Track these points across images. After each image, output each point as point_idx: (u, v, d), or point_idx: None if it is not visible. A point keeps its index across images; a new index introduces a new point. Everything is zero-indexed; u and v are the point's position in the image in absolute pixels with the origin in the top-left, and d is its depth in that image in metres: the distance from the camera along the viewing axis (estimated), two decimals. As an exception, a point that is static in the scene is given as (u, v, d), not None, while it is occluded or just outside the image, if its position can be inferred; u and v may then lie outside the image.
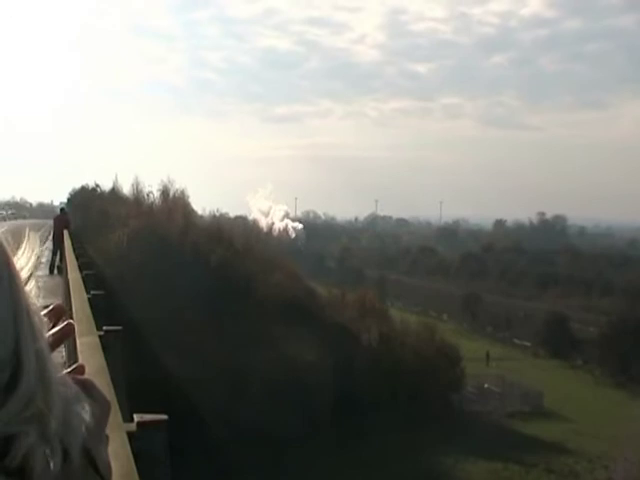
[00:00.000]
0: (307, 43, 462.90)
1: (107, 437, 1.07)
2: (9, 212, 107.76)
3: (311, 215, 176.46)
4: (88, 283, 11.47)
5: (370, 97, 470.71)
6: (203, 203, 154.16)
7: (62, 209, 34.50)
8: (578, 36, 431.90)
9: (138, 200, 58.04)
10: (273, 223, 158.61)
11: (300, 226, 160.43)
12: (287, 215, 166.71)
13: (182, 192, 57.48)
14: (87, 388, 1.07)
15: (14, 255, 1.08)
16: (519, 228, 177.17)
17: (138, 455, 2.91)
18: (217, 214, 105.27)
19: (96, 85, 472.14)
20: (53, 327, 1.13)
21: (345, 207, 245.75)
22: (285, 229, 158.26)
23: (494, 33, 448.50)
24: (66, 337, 1.15)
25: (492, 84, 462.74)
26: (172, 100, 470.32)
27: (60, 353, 13.38)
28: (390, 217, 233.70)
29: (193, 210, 60.06)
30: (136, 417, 3.74)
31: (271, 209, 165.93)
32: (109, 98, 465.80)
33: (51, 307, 1.16)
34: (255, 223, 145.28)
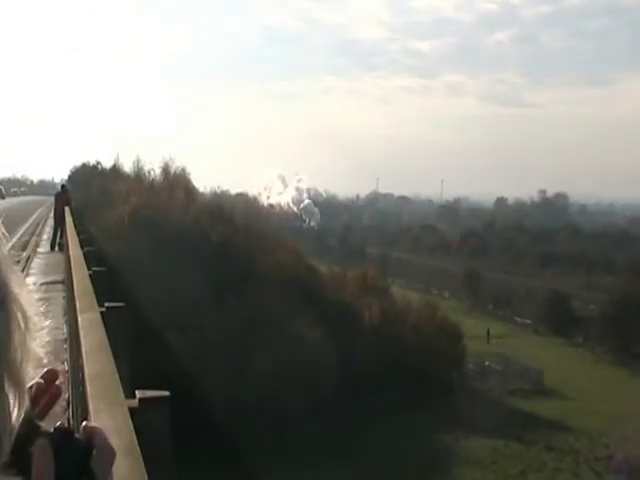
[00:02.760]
0: (308, 20, 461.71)
1: None
2: (21, 189, 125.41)
3: (312, 193, 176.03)
4: (89, 260, 11.46)
5: (372, 74, 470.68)
6: (204, 181, 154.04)
7: (63, 185, 34.43)
8: (581, 12, 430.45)
9: (139, 177, 58.01)
10: (279, 199, 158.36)
11: (309, 202, 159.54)
12: (284, 180, 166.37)
13: (183, 169, 57.46)
14: (91, 436, 1.10)
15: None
16: (520, 206, 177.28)
17: (140, 431, 2.88)
18: (218, 191, 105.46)
19: (97, 63, 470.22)
20: (46, 390, 1.13)
21: (346, 185, 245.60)
22: (290, 205, 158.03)
23: (496, 10, 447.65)
24: (55, 401, 1.15)
25: (494, 61, 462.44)
26: (172, 77, 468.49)
27: (61, 330, 13.37)
28: (391, 195, 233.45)
29: (194, 187, 59.98)
30: (138, 393, 3.72)
31: (273, 181, 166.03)
32: (110, 77, 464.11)
33: (45, 370, 1.15)
34: (256, 200, 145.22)
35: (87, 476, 1.05)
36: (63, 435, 1.06)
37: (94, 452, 1.07)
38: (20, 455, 1.03)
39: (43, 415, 1.13)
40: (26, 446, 1.03)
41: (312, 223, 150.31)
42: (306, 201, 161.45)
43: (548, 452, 43.80)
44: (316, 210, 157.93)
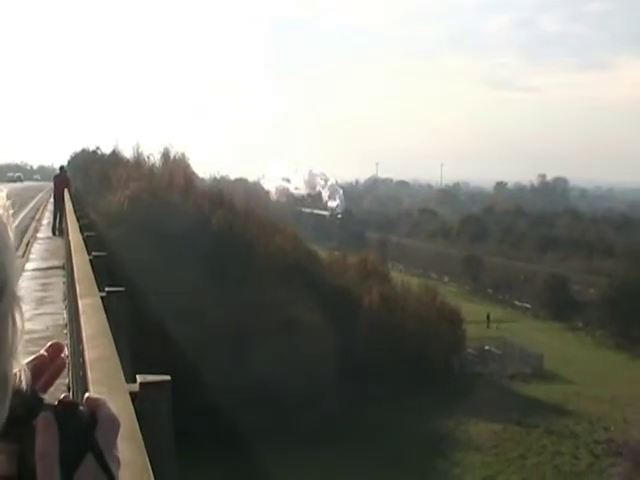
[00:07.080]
0: (312, 6, 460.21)
1: (119, 460, 1.09)
2: (35, 176, 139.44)
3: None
4: (90, 245, 11.43)
5: (372, 58, 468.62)
6: (203, 167, 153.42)
7: (62, 167, 34.04)
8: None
9: (139, 163, 57.92)
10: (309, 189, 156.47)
11: (339, 192, 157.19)
12: (282, 165, 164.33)
13: (182, 155, 57.36)
14: (95, 408, 1.09)
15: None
16: (520, 190, 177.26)
17: (141, 415, 2.87)
18: (218, 177, 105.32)
19: (97, 49, 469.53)
20: (50, 363, 1.13)
21: (346, 170, 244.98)
22: (292, 189, 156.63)
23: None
24: (58, 374, 1.14)
25: (494, 45, 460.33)
26: (175, 64, 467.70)
27: (61, 315, 13.36)
28: (391, 180, 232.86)
29: (194, 173, 59.86)
30: (139, 378, 3.70)
31: (271, 166, 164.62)
32: (110, 62, 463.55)
33: (50, 343, 1.14)
34: (255, 185, 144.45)
35: (92, 448, 1.04)
36: (67, 407, 1.05)
37: (98, 424, 1.06)
38: (23, 428, 1.02)
39: (46, 388, 1.11)
40: (29, 419, 1.02)
41: (336, 208, 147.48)
42: (331, 181, 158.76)
43: (548, 436, 43.89)
44: (340, 192, 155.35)
